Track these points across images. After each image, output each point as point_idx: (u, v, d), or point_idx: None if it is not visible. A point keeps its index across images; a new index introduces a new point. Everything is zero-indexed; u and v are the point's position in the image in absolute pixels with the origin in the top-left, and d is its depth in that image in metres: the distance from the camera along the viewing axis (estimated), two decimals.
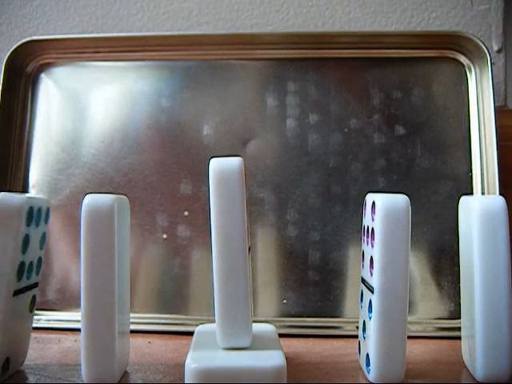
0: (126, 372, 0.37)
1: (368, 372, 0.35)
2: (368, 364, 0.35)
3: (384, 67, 0.52)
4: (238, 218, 0.34)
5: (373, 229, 0.35)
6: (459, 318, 0.40)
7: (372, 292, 0.35)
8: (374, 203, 0.36)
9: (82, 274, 0.34)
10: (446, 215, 0.49)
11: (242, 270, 0.34)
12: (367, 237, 0.37)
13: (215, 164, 0.34)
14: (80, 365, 0.34)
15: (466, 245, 0.37)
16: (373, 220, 0.36)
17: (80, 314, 0.34)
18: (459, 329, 0.40)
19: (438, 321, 0.48)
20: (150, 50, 0.53)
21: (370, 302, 0.35)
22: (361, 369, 0.38)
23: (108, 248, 0.34)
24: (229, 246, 0.34)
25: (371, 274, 0.35)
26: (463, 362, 0.39)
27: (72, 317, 0.49)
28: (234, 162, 0.34)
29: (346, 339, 0.46)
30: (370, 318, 0.35)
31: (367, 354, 0.35)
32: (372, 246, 0.35)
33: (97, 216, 0.34)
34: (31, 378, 0.36)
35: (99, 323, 0.34)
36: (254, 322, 0.37)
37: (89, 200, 0.34)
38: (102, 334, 0.34)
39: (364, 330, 0.37)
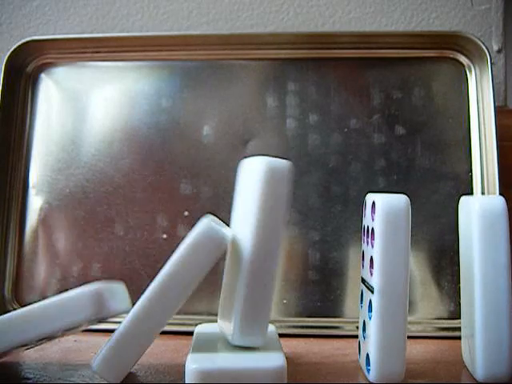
0: None
1: (368, 372, 0.35)
2: (368, 364, 0.35)
3: (384, 67, 0.52)
4: (280, 219, 0.34)
5: (373, 229, 0.36)
6: (459, 318, 0.40)
7: (372, 292, 0.35)
8: (374, 203, 0.36)
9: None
10: (446, 215, 0.49)
11: (273, 272, 0.34)
12: (367, 237, 0.37)
13: (265, 163, 0.34)
14: None
15: (465, 245, 0.37)
16: (373, 220, 0.36)
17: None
18: (459, 329, 0.40)
19: (438, 321, 0.48)
20: (150, 50, 0.53)
21: (370, 302, 0.35)
22: (361, 369, 0.38)
23: None
24: (266, 246, 0.34)
25: (371, 274, 0.35)
26: (463, 362, 0.39)
27: None
28: (285, 164, 0.35)
29: (345, 339, 0.46)
30: (370, 318, 0.35)
31: (367, 354, 0.35)
32: (372, 246, 0.35)
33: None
34: (31, 378, 0.36)
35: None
36: None
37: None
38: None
39: (364, 329, 0.37)
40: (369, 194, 0.38)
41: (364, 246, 0.38)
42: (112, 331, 0.35)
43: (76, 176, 0.52)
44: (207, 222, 0.34)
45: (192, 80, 0.53)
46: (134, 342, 0.34)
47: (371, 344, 0.35)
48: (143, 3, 0.59)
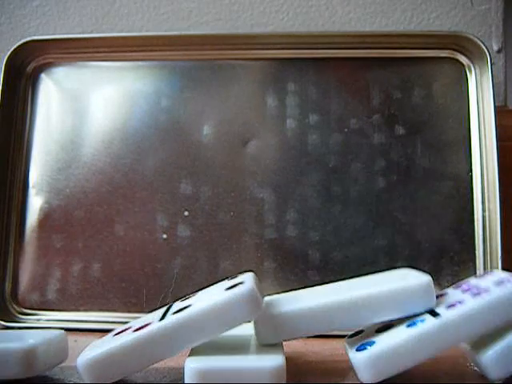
0: None
1: (360, 350, 0.34)
2: (369, 344, 0.34)
3: (384, 67, 0.52)
4: None
5: (482, 287, 0.35)
6: None
7: (434, 316, 0.34)
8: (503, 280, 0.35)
9: None
10: (446, 215, 0.49)
11: None
12: (468, 286, 0.36)
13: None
14: None
15: None
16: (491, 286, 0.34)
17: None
18: None
19: None
20: (150, 50, 0.53)
21: (422, 320, 0.34)
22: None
23: None
24: None
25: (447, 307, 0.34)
26: (463, 362, 0.39)
27: (72, 317, 0.49)
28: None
29: None
30: (409, 326, 0.34)
31: (372, 341, 0.34)
32: (473, 297, 0.34)
33: None
34: (31, 378, 0.36)
35: None
36: None
37: None
38: None
39: (384, 329, 0.36)
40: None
41: (453, 287, 0.37)
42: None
43: (76, 176, 0.52)
44: (250, 287, 0.33)
45: (192, 80, 0.53)
46: (133, 358, 0.33)
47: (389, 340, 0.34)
48: (143, 3, 0.59)
